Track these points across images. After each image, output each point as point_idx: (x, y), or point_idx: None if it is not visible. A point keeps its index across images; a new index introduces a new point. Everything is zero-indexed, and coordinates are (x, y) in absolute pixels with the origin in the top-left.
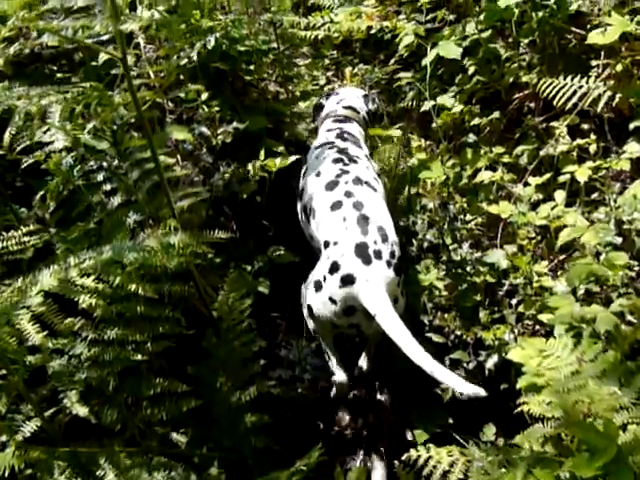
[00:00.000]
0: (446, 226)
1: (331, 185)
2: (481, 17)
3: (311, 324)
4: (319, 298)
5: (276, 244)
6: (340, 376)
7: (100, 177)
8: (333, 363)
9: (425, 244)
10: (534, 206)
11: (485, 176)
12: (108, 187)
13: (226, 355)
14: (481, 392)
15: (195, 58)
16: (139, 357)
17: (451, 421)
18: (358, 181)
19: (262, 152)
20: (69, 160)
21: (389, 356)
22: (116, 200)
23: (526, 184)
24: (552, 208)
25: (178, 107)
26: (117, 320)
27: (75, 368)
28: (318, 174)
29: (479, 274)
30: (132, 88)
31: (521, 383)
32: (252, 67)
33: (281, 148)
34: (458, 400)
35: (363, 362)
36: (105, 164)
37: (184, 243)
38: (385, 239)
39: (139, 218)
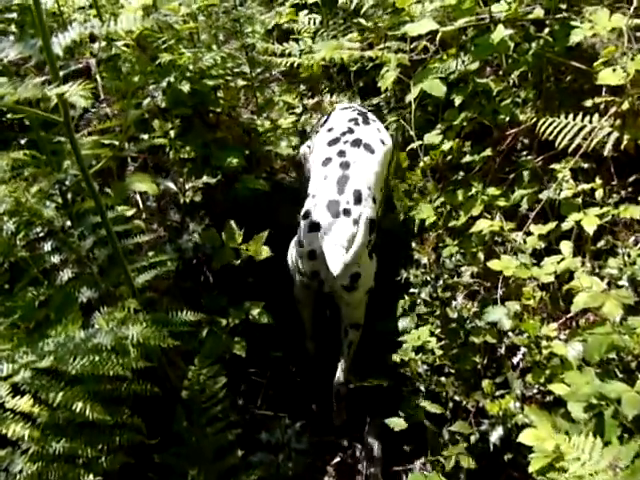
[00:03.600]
0: (441, 282)
1: (332, 142)
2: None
3: (294, 281)
4: (294, 244)
5: (256, 294)
6: (309, 345)
7: (48, 246)
8: (307, 335)
9: (418, 301)
10: (535, 254)
11: (483, 225)
12: (57, 258)
13: (198, 443)
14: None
15: (160, 98)
16: (91, 478)
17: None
18: (356, 143)
19: (238, 234)
20: (11, 227)
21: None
22: (66, 273)
23: (527, 232)
24: (558, 262)
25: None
26: (64, 428)
27: None
28: (330, 129)
29: (478, 333)
30: (78, 152)
31: (534, 466)
32: (221, 93)
33: (260, 182)
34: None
35: (339, 373)
36: (54, 230)
37: (145, 337)
38: (359, 201)
39: (93, 295)
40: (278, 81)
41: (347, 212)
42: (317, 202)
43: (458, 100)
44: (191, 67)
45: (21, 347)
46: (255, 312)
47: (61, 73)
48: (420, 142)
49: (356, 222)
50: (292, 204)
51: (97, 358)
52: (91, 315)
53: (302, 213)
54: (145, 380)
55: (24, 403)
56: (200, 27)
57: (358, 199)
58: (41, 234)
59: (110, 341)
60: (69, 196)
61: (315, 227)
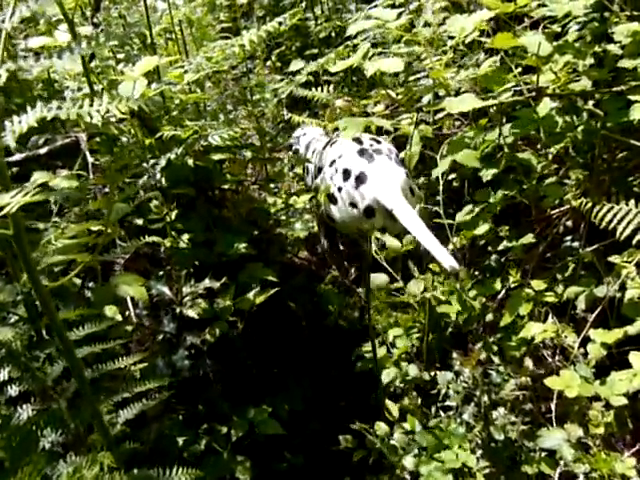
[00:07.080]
0: (486, 397)
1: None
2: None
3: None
4: (337, 212)
5: (259, 397)
6: None
7: (5, 374)
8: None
9: (459, 419)
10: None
11: (535, 330)
12: (15, 389)
13: None
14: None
15: (158, 177)
16: None
17: None
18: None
19: (232, 288)
20: None
21: None
22: (27, 409)
23: (586, 338)
24: (627, 377)
25: (132, 239)
26: None
27: None
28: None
29: (531, 461)
30: (32, 272)
31: None
32: (227, 164)
33: (268, 271)
34: None
35: None
36: (13, 353)
37: None
38: (380, 142)
39: (58, 438)
40: (286, 150)
41: (378, 151)
42: (345, 156)
43: (489, 176)
44: (197, 142)
45: None
46: (260, 420)
47: (45, 149)
48: (450, 221)
49: (389, 157)
50: (302, 291)
51: None
52: (55, 465)
53: (342, 172)
54: None
55: None
56: (207, 94)
57: (378, 141)
58: None
59: None
60: (37, 305)
61: (363, 178)
